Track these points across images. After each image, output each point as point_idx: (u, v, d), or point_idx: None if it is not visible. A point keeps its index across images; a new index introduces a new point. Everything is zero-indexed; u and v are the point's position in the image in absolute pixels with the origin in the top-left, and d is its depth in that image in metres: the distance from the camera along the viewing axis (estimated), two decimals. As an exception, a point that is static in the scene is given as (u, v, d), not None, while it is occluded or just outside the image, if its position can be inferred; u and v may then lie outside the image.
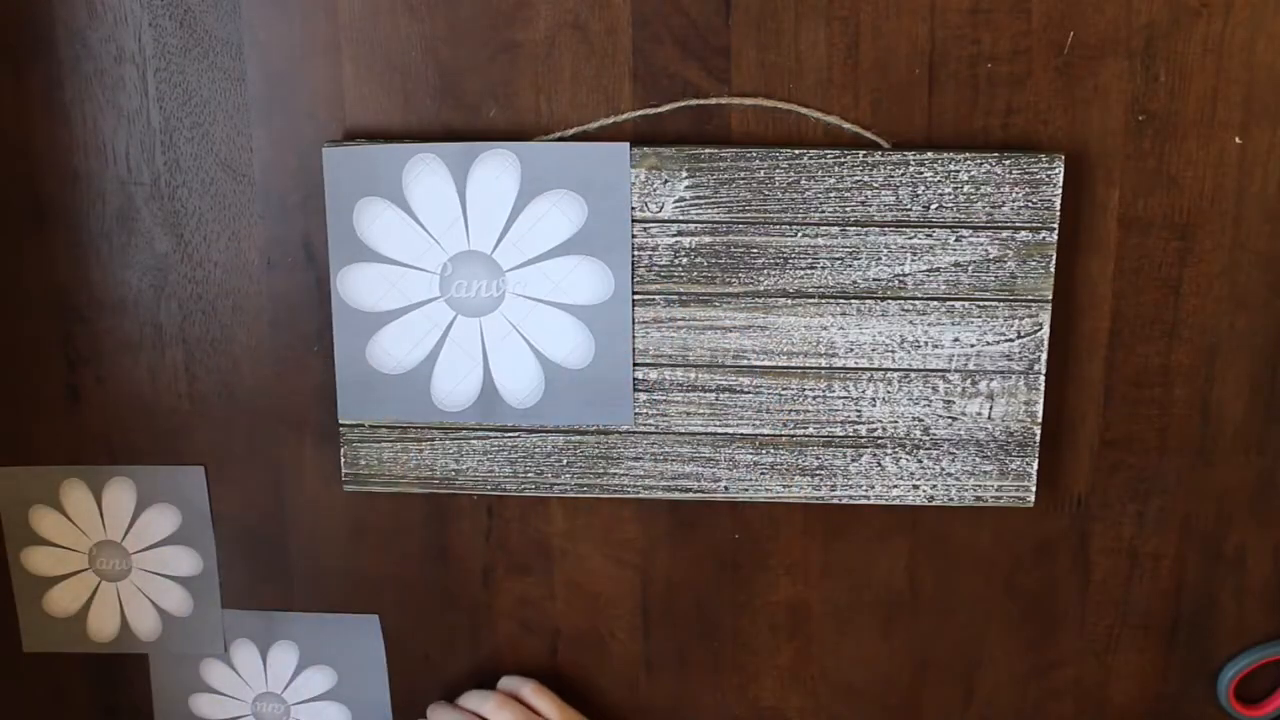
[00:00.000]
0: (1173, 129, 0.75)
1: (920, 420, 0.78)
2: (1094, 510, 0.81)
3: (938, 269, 0.76)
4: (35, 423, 0.82)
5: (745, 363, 0.78)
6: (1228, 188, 0.76)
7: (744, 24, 0.74)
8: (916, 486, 0.79)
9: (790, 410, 0.79)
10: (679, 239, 0.76)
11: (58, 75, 0.76)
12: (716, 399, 0.79)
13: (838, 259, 0.76)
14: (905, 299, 0.76)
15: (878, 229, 0.75)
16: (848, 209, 0.75)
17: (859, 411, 0.78)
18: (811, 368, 0.78)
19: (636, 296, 0.77)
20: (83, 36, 0.76)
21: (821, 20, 0.73)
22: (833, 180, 0.74)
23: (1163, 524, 0.81)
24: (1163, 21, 0.73)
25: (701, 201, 0.75)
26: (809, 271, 0.76)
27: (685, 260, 0.76)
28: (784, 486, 0.80)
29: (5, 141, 0.77)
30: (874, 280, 0.76)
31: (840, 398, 0.78)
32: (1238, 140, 0.75)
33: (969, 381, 0.77)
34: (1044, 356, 0.77)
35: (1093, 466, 0.80)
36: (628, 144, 0.74)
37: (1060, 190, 0.74)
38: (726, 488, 0.80)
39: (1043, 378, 0.77)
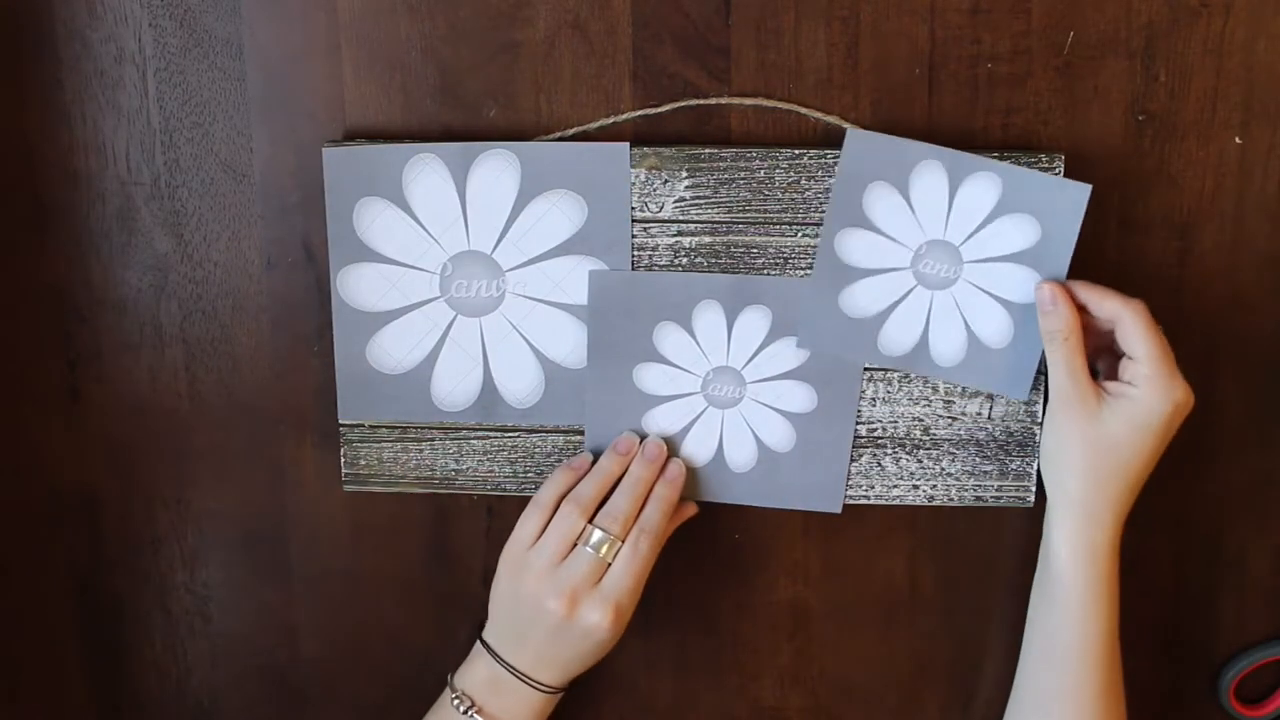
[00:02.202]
0: (1173, 129, 0.75)
1: (920, 420, 0.78)
2: (1094, 510, 0.81)
3: (938, 269, 0.76)
4: (35, 423, 0.82)
5: (745, 363, 0.78)
6: (1228, 188, 0.76)
7: (744, 24, 0.74)
8: (916, 486, 0.79)
9: (790, 410, 0.79)
10: (679, 239, 0.76)
11: (58, 75, 0.76)
12: (716, 399, 0.79)
13: (838, 259, 0.76)
14: (905, 299, 0.76)
15: (878, 229, 0.75)
16: (848, 209, 0.75)
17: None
18: (811, 368, 0.78)
19: (636, 296, 0.77)
20: (83, 36, 0.76)
21: (821, 20, 0.73)
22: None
23: (1162, 524, 0.81)
24: (1163, 21, 0.73)
25: (701, 201, 0.75)
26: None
27: (685, 260, 0.76)
28: (784, 486, 0.80)
29: (5, 141, 0.77)
30: (874, 280, 0.76)
31: (840, 398, 0.78)
32: (1238, 140, 0.75)
33: (969, 381, 0.77)
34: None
35: (1093, 466, 0.80)
36: (628, 144, 0.74)
37: (1060, 190, 0.74)
38: (726, 488, 0.80)
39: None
